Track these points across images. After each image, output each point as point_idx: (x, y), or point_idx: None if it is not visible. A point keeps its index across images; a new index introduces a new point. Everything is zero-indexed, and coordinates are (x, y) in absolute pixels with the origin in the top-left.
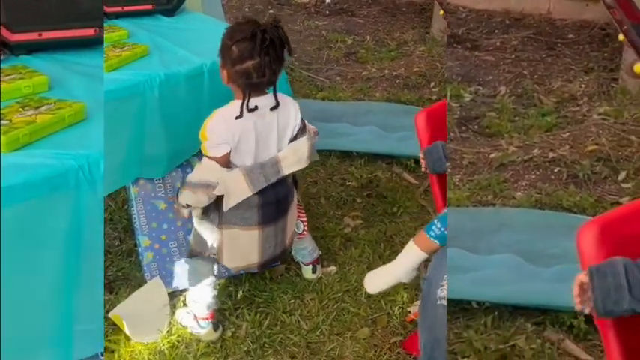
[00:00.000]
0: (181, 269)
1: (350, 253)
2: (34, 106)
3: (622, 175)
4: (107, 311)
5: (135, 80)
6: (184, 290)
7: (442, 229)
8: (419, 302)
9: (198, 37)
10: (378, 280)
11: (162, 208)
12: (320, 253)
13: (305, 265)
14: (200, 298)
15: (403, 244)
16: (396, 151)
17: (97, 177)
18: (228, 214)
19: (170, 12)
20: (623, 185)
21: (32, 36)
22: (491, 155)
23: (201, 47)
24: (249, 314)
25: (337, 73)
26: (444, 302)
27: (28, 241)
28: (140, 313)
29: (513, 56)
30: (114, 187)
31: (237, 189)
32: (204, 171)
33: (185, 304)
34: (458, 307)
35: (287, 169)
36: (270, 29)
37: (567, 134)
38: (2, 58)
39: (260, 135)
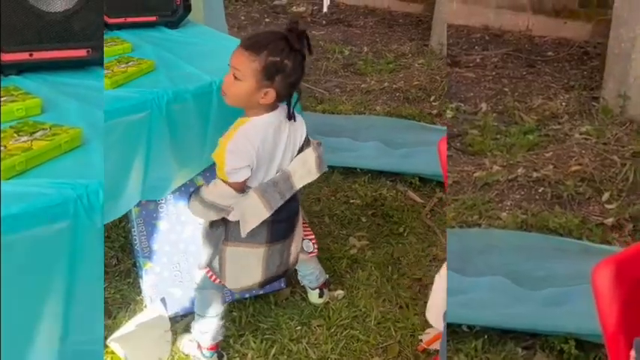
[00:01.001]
0: (183, 293)
1: (357, 276)
2: (28, 132)
3: (606, 196)
4: (105, 337)
5: (142, 98)
6: (185, 315)
7: None
8: (431, 330)
9: (205, 51)
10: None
11: (163, 228)
12: (327, 277)
13: (312, 289)
14: (208, 329)
15: (410, 266)
16: (400, 168)
17: (96, 207)
18: (236, 230)
19: (174, 24)
20: (607, 206)
21: (22, 56)
22: (475, 174)
23: (208, 63)
24: (255, 342)
25: (336, 85)
26: None
27: (24, 273)
28: (140, 340)
29: (494, 73)
30: (116, 215)
31: (255, 213)
32: (219, 194)
33: (187, 331)
34: (448, 330)
35: (299, 183)
36: (297, 35)
37: (550, 153)
38: None
39: (274, 150)
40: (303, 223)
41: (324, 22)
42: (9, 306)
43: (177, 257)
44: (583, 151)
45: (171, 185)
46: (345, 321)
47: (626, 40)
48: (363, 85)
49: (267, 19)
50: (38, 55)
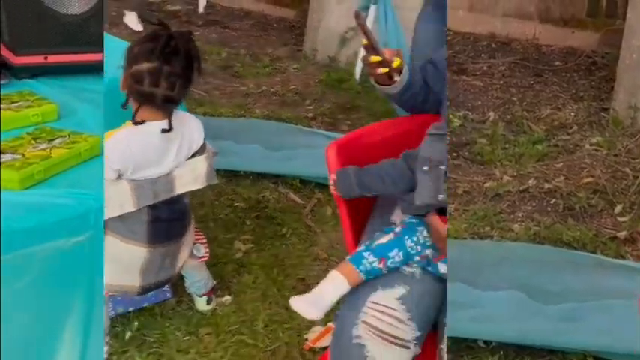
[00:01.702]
0: None
1: (243, 280)
2: (47, 139)
3: (618, 209)
4: None
5: (82, 207)
6: None
7: (374, 264)
8: (316, 328)
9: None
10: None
11: None
12: (214, 282)
13: (199, 296)
14: None
15: (294, 267)
16: (281, 170)
17: None
18: (114, 220)
19: None
20: (620, 219)
21: (37, 59)
22: (486, 184)
23: None
24: (140, 357)
25: (215, 87)
26: (360, 341)
27: (43, 287)
28: None
29: (501, 81)
30: None
31: (119, 201)
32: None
33: None
34: (462, 345)
35: (181, 188)
36: (178, 36)
37: (561, 164)
38: (3, 82)
39: (163, 154)
40: (195, 229)
41: (200, 22)
42: (28, 322)
43: None
44: (594, 163)
45: None
46: (234, 326)
47: (637, 51)
48: (241, 88)
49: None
50: (53, 59)
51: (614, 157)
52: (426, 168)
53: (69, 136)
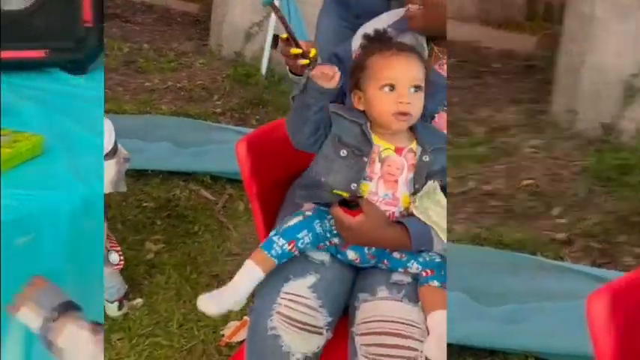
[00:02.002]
0: None
1: (156, 281)
2: None
3: (556, 211)
4: None
5: (24, 211)
6: None
7: (284, 247)
8: (232, 323)
9: None
10: (215, 304)
11: None
12: (127, 287)
13: (110, 303)
14: None
15: (207, 264)
16: (191, 167)
17: (62, 219)
18: None
19: (78, 67)
20: (558, 221)
21: None
22: (145, 84)
23: None
24: None
25: (117, 84)
26: (275, 332)
27: None
28: None
29: (150, 28)
30: None
31: None
32: None
33: None
34: None
35: None
36: None
37: (501, 166)
38: None
39: None
40: (108, 236)
41: None
42: None
43: None
44: (533, 165)
45: None
46: (147, 329)
47: (575, 55)
48: (146, 84)
49: None
50: None
51: (553, 159)
52: (344, 153)
53: (11, 134)
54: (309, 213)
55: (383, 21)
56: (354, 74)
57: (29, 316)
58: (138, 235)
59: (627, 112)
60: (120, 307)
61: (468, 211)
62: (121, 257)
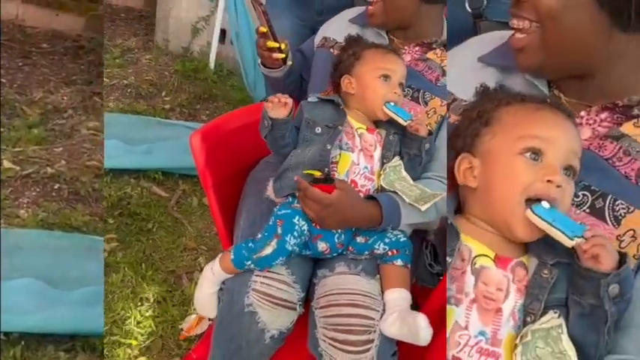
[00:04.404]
0: None
1: (111, 280)
2: None
3: None
4: None
5: None
6: None
7: (253, 265)
8: (190, 317)
9: None
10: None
11: None
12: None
13: None
14: None
15: (163, 260)
16: (142, 164)
17: None
18: None
19: None
20: None
21: None
22: None
23: None
24: None
25: None
26: (252, 309)
27: None
28: None
29: None
30: None
31: None
32: None
33: None
34: None
35: None
36: None
37: (61, 149)
38: None
39: None
40: None
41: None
42: None
43: None
44: (94, 147)
45: None
46: (105, 328)
47: None
48: None
49: None
50: None
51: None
52: (318, 130)
53: None
54: (280, 230)
55: (343, 17)
56: (344, 61)
57: None
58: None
59: None
60: None
61: (32, 195)
62: None
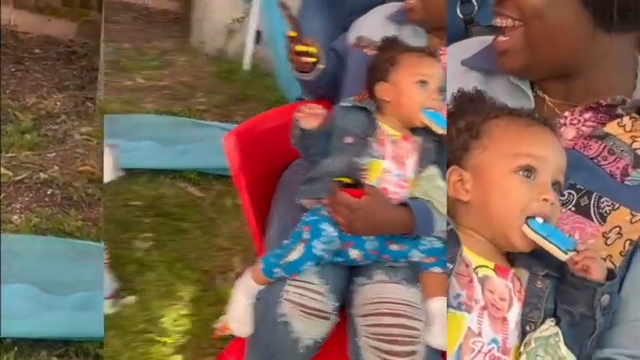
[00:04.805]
0: None
1: (146, 279)
2: None
3: None
4: None
5: None
6: None
7: (281, 272)
8: (222, 317)
9: None
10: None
11: None
12: (118, 285)
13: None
14: None
15: (199, 259)
16: (177, 164)
17: None
18: None
19: None
20: None
21: None
22: (127, 83)
23: None
24: None
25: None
26: (285, 319)
27: None
28: None
29: (129, 27)
30: None
31: None
32: None
33: None
34: None
35: None
36: None
37: (54, 154)
38: None
39: None
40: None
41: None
42: None
43: None
44: (86, 152)
45: None
46: (140, 326)
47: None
48: (129, 83)
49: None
50: None
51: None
52: (349, 140)
53: None
54: (306, 235)
55: (378, 14)
56: (379, 67)
57: None
58: (126, 233)
59: None
60: (113, 305)
61: (25, 200)
62: (107, 253)
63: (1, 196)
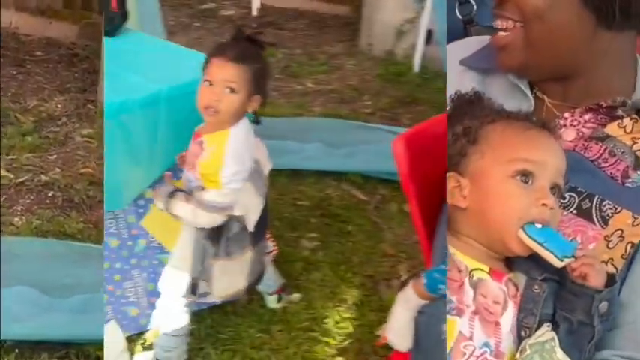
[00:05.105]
0: (138, 311)
1: (311, 278)
2: None
3: None
4: None
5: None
6: (141, 333)
7: (444, 287)
8: (387, 325)
9: (146, 59)
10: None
11: (114, 245)
12: (283, 281)
13: (269, 295)
14: (173, 348)
15: (362, 264)
16: (343, 167)
17: None
18: (229, 244)
19: (111, 32)
20: None
21: None
22: (298, 87)
23: (152, 72)
24: (216, 353)
25: (273, 89)
26: (445, 336)
27: None
28: None
29: (302, 33)
30: None
31: (253, 203)
32: (219, 194)
33: (145, 349)
34: None
35: (266, 170)
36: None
37: (56, 156)
38: None
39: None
40: None
41: (254, 25)
42: None
43: (130, 274)
44: (87, 154)
45: (123, 197)
46: (305, 323)
47: None
48: (299, 87)
49: (196, 24)
50: None
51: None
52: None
53: None
54: None
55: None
56: (453, 147)
57: (157, 203)
58: (294, 232)
59: None
60: (279, 300)
61: (27, 202)
62: (274, 244)
63: (2, 198)
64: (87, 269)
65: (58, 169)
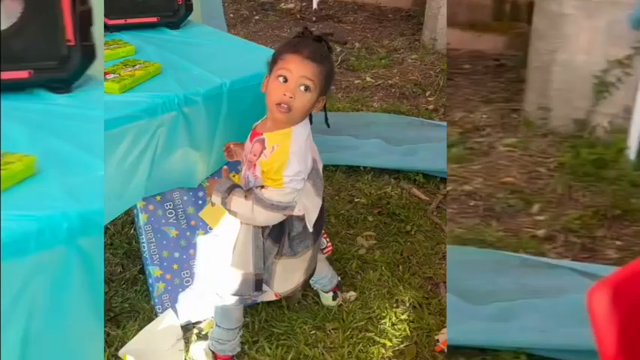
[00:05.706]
0: (195, 300)
1: (368, 277)
2: (131, 65)
3: (535, 208)
4: (116, 349)
5: (153, 103)
6: (197, 323)
7: None
8: (445, 330)
9: (209, 52)
10: None
11: (173, 235)
12: (339, 279)
13: (325, 292)
14: (227, 340)
15: (420, 265)
16: (403, 164)
17: (60, 239)
18: (294, 243)
19: (175, 25)
20: (537, 218)
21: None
22: (356, 82)
23: (215, 65)
24: (270, 348)
25: None
26: None
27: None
28: (153, 350)
29: (361, 27)
30: (120, 211)
31: (313, 202)
32: (281, 193)
33: (200, 339)
34: None
35: (321, 168)
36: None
37: (478, 166)
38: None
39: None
40: None
41: (314, 18)
42: None
43: (188, 264)
44: (509, 164)
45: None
46: (360, 323)
47: (545, 54)
48: (357, 82)
49: (256, 17)
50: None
51: (529, 157)
52: None
53: (2, 156)
54: None
55: None
56: None
57: (213, 198)
58: (350, 229)
59: (599, 107)
60: (334, 297)
61: (381, 95)
62: (328, 241)
63: (367, 93)
64: (503, 277)
65: (479, 179)
